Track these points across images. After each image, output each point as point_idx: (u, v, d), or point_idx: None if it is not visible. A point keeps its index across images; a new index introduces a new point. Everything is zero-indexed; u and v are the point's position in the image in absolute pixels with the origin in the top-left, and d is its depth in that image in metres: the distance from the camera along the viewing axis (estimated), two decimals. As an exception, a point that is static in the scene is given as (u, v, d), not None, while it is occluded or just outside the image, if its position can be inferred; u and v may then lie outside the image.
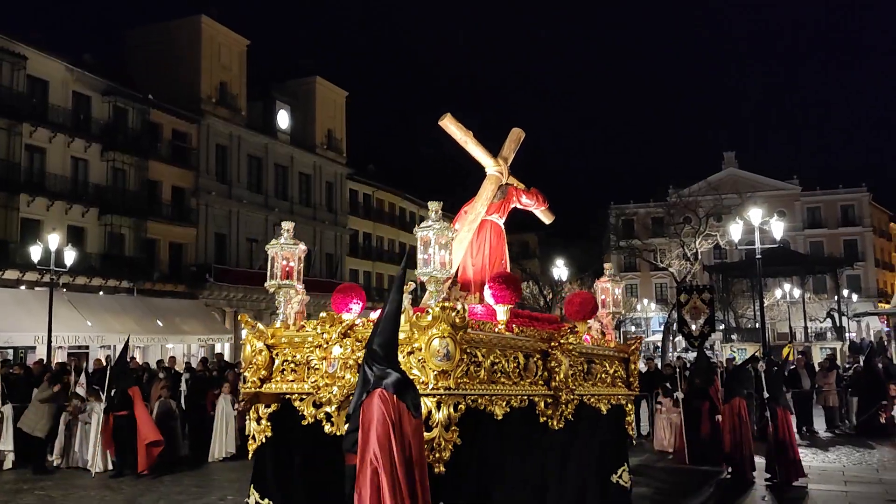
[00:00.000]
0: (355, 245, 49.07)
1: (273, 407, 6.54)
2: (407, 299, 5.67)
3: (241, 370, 6.62)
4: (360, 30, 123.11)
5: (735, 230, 22.37)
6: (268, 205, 40.67)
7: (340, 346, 5.87)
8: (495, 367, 6.19)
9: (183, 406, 14.86)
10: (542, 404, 6.77)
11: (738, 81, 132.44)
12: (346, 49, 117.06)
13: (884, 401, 15.69)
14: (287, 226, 7.04)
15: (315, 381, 6.01)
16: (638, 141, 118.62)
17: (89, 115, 31.55)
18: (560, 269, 35.66)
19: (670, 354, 31.82)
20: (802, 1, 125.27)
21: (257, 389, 6.41)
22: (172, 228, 34.82)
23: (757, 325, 41.18)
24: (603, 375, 8.22)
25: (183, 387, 15.95)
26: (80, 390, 13.19)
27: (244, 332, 6.57)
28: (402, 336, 5.18)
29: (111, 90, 32.21)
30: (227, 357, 31.39)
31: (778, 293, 42.15)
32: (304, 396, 6.23)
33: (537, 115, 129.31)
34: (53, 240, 23.78)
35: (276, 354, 6.57)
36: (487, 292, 6.80)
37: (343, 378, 5.83)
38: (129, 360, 15.19)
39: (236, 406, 13.28)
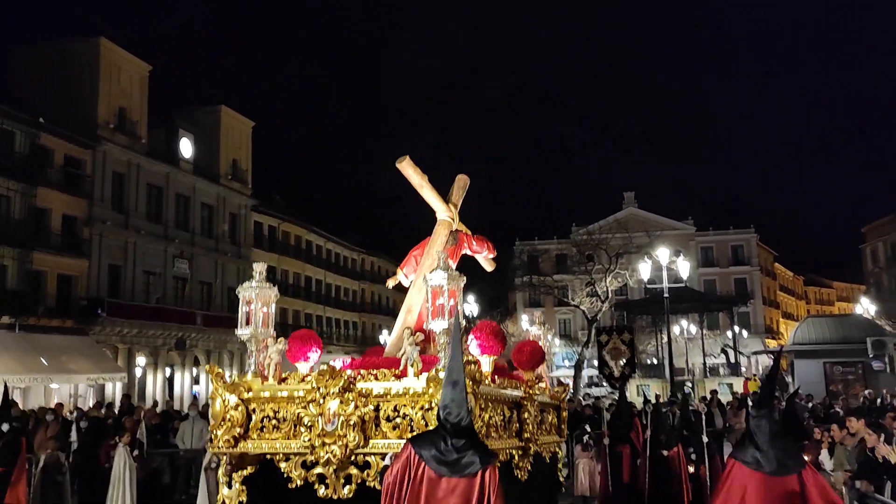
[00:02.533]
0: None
1: (249, 469, 5.88)
2: (415, 350, 5.24)
3: (211, 427, 5.91)
4: (273, 57, 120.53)
5: (644, 269, 22.99)
6: (167, 236, 38.77)
7: (342, 402, 5.32)
8: (491, 422, 5.91)
9: (71, 458, 13.48)
10: (517, 457, 6.55)
11: (738, 81, 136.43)
12: (253, 76, 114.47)
13: (805, 442, 15.97)
14: (259, 267, 6.43)
15: (309, 439, 5.43)
16: (539, 181, 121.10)
17: (-29, 138, 29.32)
18: (471, 305, 35.55)
19: (582, 392, 32.16)
20: (802, 1, 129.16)
21: (232, 449, 5.73)
22: (61, 260, 32.48)
23: (656, 362, 42.45)
24: (547, 425, 8.16)
25: (73, 436, 14.57)
26: None
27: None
28: (418, 390, 4.73)
29: (-4, 111, 30.04)
30: (117, 397, 29.44)
31: (676, 329, 43.57)
32: (290, 456, 5.61)
33: (537, 115, 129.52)
34: (-74, 272, 21.71)
35: (254, 410, 5.93)
36: (473, 342, 6.48)
37: (345, 437, 5.30)
38: (11, 406, 13.73)
39: (135, 454, 12.17)
